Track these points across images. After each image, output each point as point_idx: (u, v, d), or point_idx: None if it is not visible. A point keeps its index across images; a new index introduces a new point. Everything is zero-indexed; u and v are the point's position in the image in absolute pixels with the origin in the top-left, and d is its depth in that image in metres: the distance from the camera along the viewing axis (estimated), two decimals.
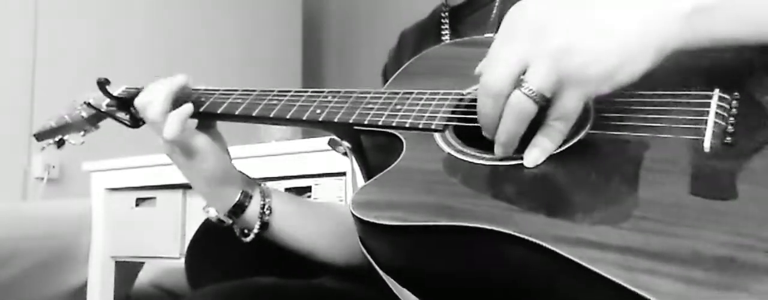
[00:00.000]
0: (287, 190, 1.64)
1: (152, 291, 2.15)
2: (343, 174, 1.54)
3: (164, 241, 1.91)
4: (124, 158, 1.97)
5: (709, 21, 0.57)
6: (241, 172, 0.87)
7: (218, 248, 0.93)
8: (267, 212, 0.85)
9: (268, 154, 1.67)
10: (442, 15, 0.96)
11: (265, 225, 0.85)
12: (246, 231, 0.86)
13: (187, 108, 0.80)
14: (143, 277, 2.14)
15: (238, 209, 0.84)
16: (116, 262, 2.04)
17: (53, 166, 2.55)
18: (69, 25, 2.63)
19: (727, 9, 0.57)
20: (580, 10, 0.57)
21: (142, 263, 2.10)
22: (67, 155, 2.51)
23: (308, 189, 1.62)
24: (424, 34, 0.99)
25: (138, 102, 0.83)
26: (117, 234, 2.02)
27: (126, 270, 2.07)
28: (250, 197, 0.85)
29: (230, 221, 0.85)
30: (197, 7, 3.02)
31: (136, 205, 1.98)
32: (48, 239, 2.00)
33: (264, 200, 0.86)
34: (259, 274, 0.83)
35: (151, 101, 0.81)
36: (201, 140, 0.82)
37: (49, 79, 2.51)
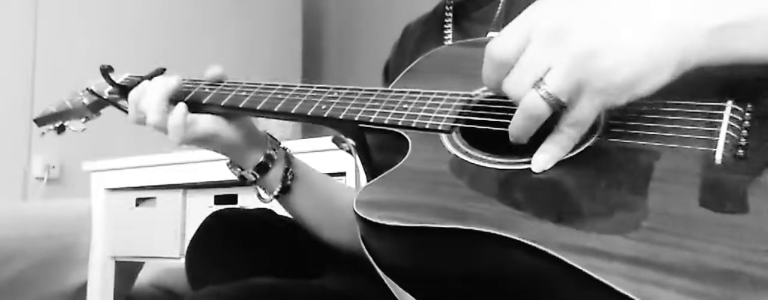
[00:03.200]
0: None
1: (152, 291, 2.15)
2: (344, 174, 1.54)
3: (164, 241, 1.91)
4: (124, 158, 1.97)
5: (735, 39, 0.55)
6: (268, 135, 0.89)
7: (218, 248, 0.93)
8: (290, 177, 0.88)
9: None
10: (446, 10, 0.95)
11: (285, 189, 0.87)
12: (263, 197, 0.88)
13: (181, 108, 0.81)
14: (143, 277, 2.14)
15: (261, 169, 0.86)
16: (116, 262, 2.04)
17: (53, 166, 2.55)
18: (69, 25, 2.63)
19: (756, 29, 0.55)
20: (603, 14, 0.55)
21: (142, 263, 2.10)
22: (67, 155, 2.52)
23: None
24: (428, 29, 0.98)
25: (133, 113, 0.84)
26: (117, 234, 2.02)
27: (126, 270, 2.07)
28: (274, 160, 0.87)
29: (253, 179, 0.87)
30: (197, 8, 3.03)
31: (136, 205, 1.98)
32: (48, 239, 2.00)
33: (288, 164, 0.88)
34: (259, 274, 0.83)
35: (148, 110, 0.82)
36: (204, 124, 0.82)
37: (49, 79, 2.51)
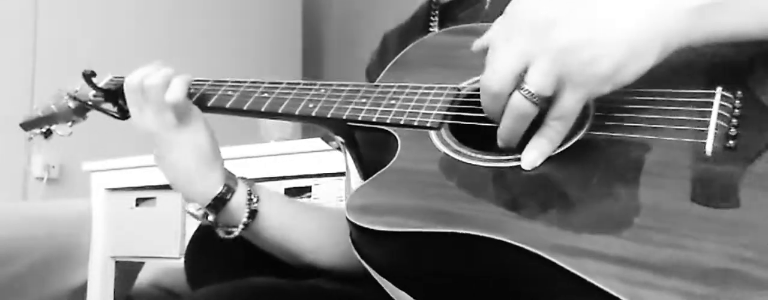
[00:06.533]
0: (287, 190, 1.64)
1: (152, 291, 2.15)
2: (343, 174, 1.54)
3: (164, 241, 1.91)
4: (124, 158, 1.97)
5: (718, 16, 0.55)
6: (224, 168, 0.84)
7: (217, 248, 0.93)
8: (254, 199, 0.81)
9: (268, 154, 1.67)
10: (432, 14, 0.94)
11: (253, 213, 0.80)
12: (229, 230, 0.81)
13: (188, 76, 0.80)
14: (143, 277, 2.14)
15: (220, 203, 0.79)
16: (116, 262, 2.04)
17: (53, 166, 2.55)
18: (69, 25, 2.63)
19: (734, 6, 0.55)
20: (581, 5, 0.56)
21: (142, 263, 2.11)
22: (67, 155, 2.52)
23: (308, 189, 1.62)
24: (409, 34, 0.97)
25: (133, 77, 0.80)
26: (117, 234, 2.02)
27: (126, 270, 2.07)
28: (233, 191, 0.80)
29: (214, 214, 0.80)
30: (197, 7, 3.02)
31: (136, 205, 1.98)
32: (48, 239, 2.00)
33: (251, 187, 0.82)
34: (257, 274, 0.83)
35: (151, 73, 0.79)
36: (196, 109, 0.81)
37: (49, 78, 2.51)
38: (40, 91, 2.51)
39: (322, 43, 3.61)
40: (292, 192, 1.64)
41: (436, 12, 0.94)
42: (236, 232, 0.81)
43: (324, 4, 3.62)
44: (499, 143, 0.60)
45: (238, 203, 0.80)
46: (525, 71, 0.56)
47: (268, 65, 3.13)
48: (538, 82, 0.55)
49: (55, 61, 2.55)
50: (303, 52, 3.41)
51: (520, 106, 0.56)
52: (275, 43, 3.27)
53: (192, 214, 0.81)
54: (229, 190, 0.80)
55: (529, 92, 0.55)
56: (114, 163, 2.00)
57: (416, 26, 0.95)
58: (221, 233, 0.82)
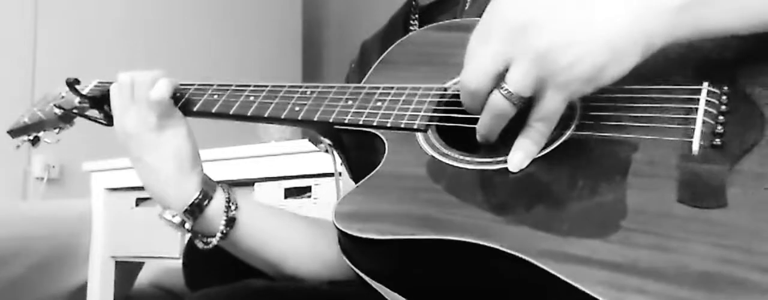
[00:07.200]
0: (287, 190, 1.64)
1: (152, 291, 2.15)
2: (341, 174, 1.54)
3: (164, 241, 1.91)
4: (124, 158, 1.96)
5: (701, 13, 0.55)
6: (204, 174, 0.82)
7: (215, 250, 0.93)
8: (233, 207, 0.78)
9: (268, 154, 1.67)
10: (412, 16, 0.93)
11: (231, 221, 0.78)
12: (207, 241, 0.79)
13: (175, 79, 0.79)
14: (143, 277, 2.14)
15: (196, 209, 0.77)
16: (116, 262, 2.04)
17: (53, 166, 2.55)
18: (69, 24, 2.64)
19: (717, 1, 0.55)
20: (561, 6, 0.55)
21: (142, 263, 2.11)
22: (67, 155, 2.52)
23: (308, 189, 1.62)
24: (390, 39, 0.96)
25: (124, 75, 0.80)
26: (117, 234, 2.02)
27: (126, 270, 2.07)
28: (210, 197, 0.78)
29: (190, 222, 0.77)
30: (197, 8, 3.03)
31: (136, 205, 1.98)
32: (48, 239, 2.00)
33: (230, 194, 0.79)
34: (254, 276, 0.83)
35: (140, 73, 0.80)
36: (178, 113, 0.80)
37: (49, 78, 2.51)
38: (40, 91, 2.51)
39: (322, 43, 3.61)
40: (292, 192, 1.64)
41: (417, 15, 0.93)
42: (214, 241, 0.78)
43: (324, 4, 3.63)
44: (478, 138, 0.60)
45: (216, 210, 0.78)
46: (506, 70, 0.56)
47: (268, 66, 3.14)
48: (517, 82, 0.55)
49: (55, 61, 2.55)
50: (303, 52, 3.41)
51: (498, 105, 0.56)
52: (275, 43, 3.27)
53: (168, 222, 0.78)
54: (206, 196, 0.78)
55: (508, 92, 0.55)
56: (114, 163, 2.00)
57: (396, 30, 0.94)
58: (199, 244, 0.79)
